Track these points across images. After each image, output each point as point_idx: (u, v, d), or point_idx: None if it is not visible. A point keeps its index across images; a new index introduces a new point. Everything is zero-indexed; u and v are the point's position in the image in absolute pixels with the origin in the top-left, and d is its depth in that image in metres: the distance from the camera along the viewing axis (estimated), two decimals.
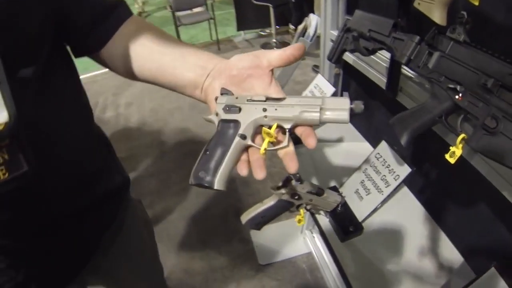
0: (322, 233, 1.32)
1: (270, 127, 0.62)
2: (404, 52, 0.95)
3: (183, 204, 2.95)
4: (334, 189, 1.43)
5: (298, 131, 0.63)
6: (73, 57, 0.80)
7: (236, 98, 0.66)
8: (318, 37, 1.81)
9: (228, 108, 0.65)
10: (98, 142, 0.92)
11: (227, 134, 0.64)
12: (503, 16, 0.90)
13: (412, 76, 1.22)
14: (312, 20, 1.68)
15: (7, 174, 0.53)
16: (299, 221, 1.27)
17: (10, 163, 0.54)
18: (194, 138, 3.72)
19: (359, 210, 1.33)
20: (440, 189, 1.38)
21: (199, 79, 0.72)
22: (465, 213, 1.29)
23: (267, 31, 6.40)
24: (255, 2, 5.44)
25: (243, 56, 0.69)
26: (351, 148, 1.73)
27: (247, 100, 0.65)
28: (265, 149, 0.61)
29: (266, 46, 5.97)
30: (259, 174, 0.60)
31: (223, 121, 0.65)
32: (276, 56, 0.68)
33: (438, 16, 0.83)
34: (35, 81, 0.63)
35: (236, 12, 6.00)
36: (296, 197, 1.15)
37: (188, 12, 5.94)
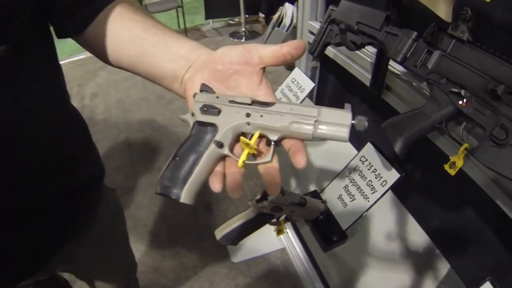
0: (304, 243, 1.25)
1: (252, 137, 0.53)
2: (399, 49, 0.87)
3: (151, 200, 2.83)
4: (315, 194, 1.35)
5: (286, 144, 0.54)
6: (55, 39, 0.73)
7: (217, 97, 0.57)
8: (295, 27, 1.72)
9: (206, 109, 0.56)
10: (73, 129, 0.85)
11: (201, 140, 0.55)
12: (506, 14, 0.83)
13: (399, 73, 1.15)
14: (288, 10, 1.59)
15: None
16: (279, 231, 1.18)
17: None
18: (162, 130, 3.61)
19: (343, 217, 1.25)
20: (425, 192, 1.35)
21: (180, 71, 0.64)
22: (450, 216, 1.26)
23: (236, 19, 6.27)
24: None
25: (232, 48, 0.60)
26: (332, 148, 1.66)
27: (229, 101, 0.56)
28: (243, 161, 0.52)
29: (235, 35, 5.87)
30: (234, 192, 0.53)
31: (199, 124, 0.57)
32: (270, 52, 0.58)
33: (443, 10, 0.75)
34: (6, 61, 0.57)
35: (204, 0, 5.86)
36: (277, 210, 1.06)
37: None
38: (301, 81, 1.63)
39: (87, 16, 0.69)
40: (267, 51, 0.58)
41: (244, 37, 5.78)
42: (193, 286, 2.26)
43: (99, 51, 0.72)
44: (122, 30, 0.68)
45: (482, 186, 0.93)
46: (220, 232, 1.09)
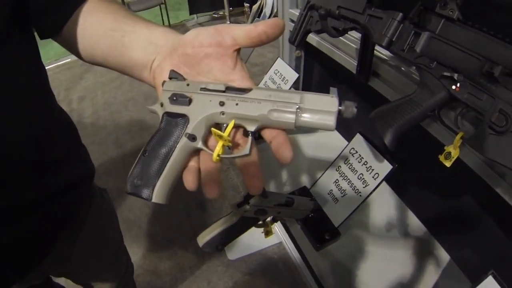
0: (295, 243, 1.20)
1: (226, 128, 0.49)
2: (384, 32, 0.81)
3: (144, 202, 2.77)
4: (305, 190, 1.30)
5: (267, 135, 0.49)
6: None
7: (188, 85, 0.52)
8: (276, 17, 1.66)
9: (176, 98, 0.51)
10: (60, 129, 0.82)
11: (172, 133, 0.51)
12: None
13: (387, 58, 1.10)
14: None
15: None
16: (267, 233, 1.13)
17: None
18: (151, 130, 3.54)
19: (334, 213, 1.21)
20: (421, 182, 1.31)
21: (147, 57, 0.59)
22: (450, 207, 1.22)
23: (221, 13, 6.28)
24: None
25: (201, 30, 0.55)
26: (320, 138, 1.62)
27: (201, 89, 0.51)
28: (218, 155, 0.48)
29: None
30: (210, 191, 0.49)
31: (168, 115, 0.52)
32: (243, 32, 0.53)
33: None
34: None
35: None
36: (261, 213, 1.00)
37: None
38: (284, 72, 1.58)
39: (62, 15, 0.66)
40: (240, 31, 0.53)
41: None
42: (191, 286, 2.24)
43: (77, 49, 0.69)
44: (95, 24, 0.65)
45: (481, 174, 0.88)
46: (202, 239, 1.05)
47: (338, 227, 1.19)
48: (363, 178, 1.14)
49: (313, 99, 0.46)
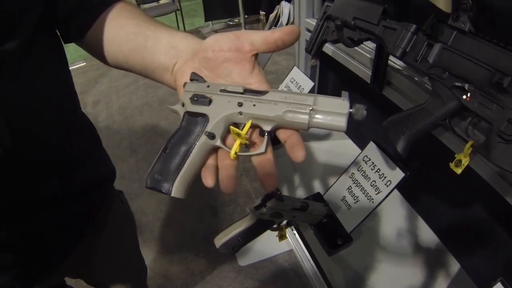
0: (308, 248, 1.21)
1: (244, 127, 0.52)
2: (398, 43, 0.83)
3: (157, 206, 2.83)
4: (318, 196, 1.32)
5: (282, 135, 0.52)
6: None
7: (208, 86, 0.55)
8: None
9: (196, 99, 0.54)
10: (82, 131, 0.86)
11: (192, 131, 0.53)
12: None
13: (400, 68, 1.12)
14: (285, 8, 1.56)
15: None
16: (282, 237, 1.15)
17: None
18: (165, 135, 3.59)
19: (347, 220, 1.22)
20: (432, 190, 1.31)
21: (169, 61, 0.63)
22: (457, 212, 1.23)
23: (236, 20, 6.30)
24: None
25: (221, 36, 0.58)
26: (334, 146, 1.63)
27: (220, 90, 0.54)
28: (236, 153, 0.51)
29: None
30: (227, 186, 0.50)
31: (189, 114, 0.55)
32: (260, 38, 0.56)
33: (443, 1, 0.71)
34: (18, 56, 0.58)
35: (203, 2, 5.86)
36: (277, 216, 1.03)
37: (154, 4, 5.81)
38: (300, 81, 1.60)
39: (87, 20, 0.70)
40: (258, 37, 0.56)
41: None
42: None
43: (99, 52, 0.72)
44: (118, 29, 0.69)
45: (491, 182, 0.89)
46: (219, 241, 1.07)
47: (350, 233, 1.20)
48: (376, 185, 1.16)
49: (325, 101, 0.49)
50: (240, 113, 0.52)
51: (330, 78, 1.81)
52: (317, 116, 0.49)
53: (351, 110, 0.48)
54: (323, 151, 1.61)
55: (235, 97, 0.53)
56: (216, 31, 6.21)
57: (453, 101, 0.74)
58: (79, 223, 0.86)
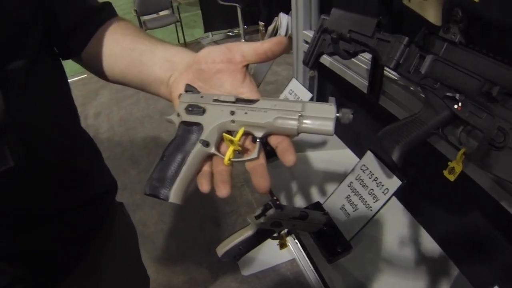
0: (309, 255, 1.23)
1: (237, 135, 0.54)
2: (392, 55, 0.85)
3: (159, 217, 2.86)
4: (318, 205, 1.33)
5: (273, 141, 0.55)
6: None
7: (202, 97, 0.58)
8: (290, 37, 1.71)
9: (191, 109, 0.57)
10: (83, 145, 0.87)
11: (187, 139, 0.56)
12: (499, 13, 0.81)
13: (396, 78, 1.14)
14: (283, 20, 1.58)
15: None
16: (282, 245, 1.16)
17: None
18: (165, 145, 3.61)
19: (346, 228, 1.23)
20: (430, 198, 1.33)
21: (165, 74, 0.66)
22: (455, 219, 1.24)
23: (235, 31, 6.34)
24: (221, 2, 5.35)
25: (213, 48, 0.62)
26: (332, 156, 1.64)
27: (214, 100, 0.57)
28: (229, 159, 0.53)
29: None
30: (222, 190, 0.52)
31: (184, 124, 0.58)
32: (251, 49, 0.60)
33: (432, 14, 0.74)
34: (24, 74, 0.60)
35: (202, 14, 5.93)
36: (277, 225, 1.05)
37: (154, 15, 5.84)
38: (298, 92, 1.62)
39: (84, 37, 0.73)
40: (248, 49, 0.60)
41: None
42: None
43: (96, 68, 0.75)
44: (114, 45, 0.72)
45: (486, 188, 0.91)
46: (221, 250, 1.08)
47: (350, 240, 1.21)
48: (374, 194, 1.17)
49: (313, 107, 0.52)
50: (233, 121, 0.54)
51: (328, 89, 1.82)
52: (305, 121, 0.51)
53: (338, 114, 0.50)
54: (321, 160, 1.62)
55: (227, 106, 0.55)
56: (216, 42, 6.26)
57: (445, 111, 0.76)
58: (84, 236, 0.86)
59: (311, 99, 1.61)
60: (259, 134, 0.54)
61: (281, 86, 1.76)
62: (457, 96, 0.72)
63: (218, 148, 0.56)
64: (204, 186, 0.54)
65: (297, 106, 0.52)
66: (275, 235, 1.11)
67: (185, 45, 6.00)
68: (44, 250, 0.76)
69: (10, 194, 0.62)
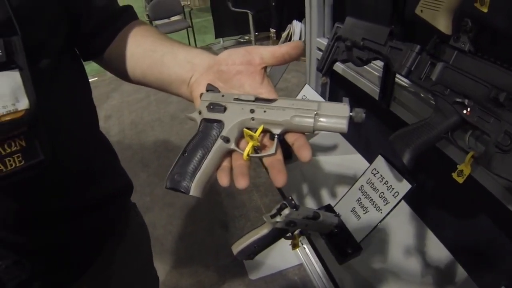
0: (319, 256, 1.25)
1: (256, 131, 0.56)
2: (404, 63, 0.88)
3: (168, 219, 2.87)
4: (329, 208, 1.36)
5: (290, 139, 0.57)
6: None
7: (222, 96, 0.61)
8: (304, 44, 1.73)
9: (212, 107, 0.60)
10: (101, 146, 0.90)
11: (208, 136, 0.58)
12: (507, 23, 0.84)
13: (407, 85, 1.16)
14: (296, 27, 1.62)
15: (23, 162, 0.54)
16: (295, 245, 1.19)
17: (27, 151, 0.55)
18: (176, 150, 3.61)
19: (357, 230, 1.25)
20: (439, 202, 1.34)
21: (186, 74, 0.69)
22: (463, 223, 1.25)
23: (246, 37, 6.35)
24: (233, 9, 5.37)
25: (234, 51, 0.65)
26: (343, 161, 1.66)
27: (234, 99, 0.59)
28: (248, 154, 0.56)
29: None
30: (241, 182, 0.54)
31: (206, 121, 0.60)
32: (269, 52, 0.63)
33: (443, 24, 0.77)
34: (49, 73, 0.63)
35: (214, 20, 5.94)
36: (292, 225, 1.07)
37: (166, 21, 5.88)
38: (311, 98, 1.64)
39: (106, 39, 0.77)
40: (267, 52, 0.63)
41: None
42: None
43: (117, 68, 0.80)
44: (135, 46, 0.75)
45: (495, 193, 0.93)
46: (236, 248, 1.11)
47: (360, 242, 1.24)
48: (384, 197, 1.20)
49: (328, 106, 0.55)
50: (252, 118, 0.57)
51: (340, 95, 1.84)
52: (321, 119, 0.54)
53: (351, 113, 0.53)
54: (332, 165, 1.64)
55: (247, 105, 0.58)
56: (226, 48, 6.26)
57: (455, 116, 0.79)
58: (100, 234, 0.89)
59: None
60: (277, 131, 0.56)
61: (291, 92, 1.79)
62: (466, 101, 0.75)
63: (237, 144, 0.59)
64: (223, 180, 0.56)
65: (313, 105, 0.55)
66: (288, 234, 1.14)
67: None
68: (62, 246, 0.78)
69: (33, 189, 0.66)
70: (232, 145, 0.58)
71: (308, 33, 1.72)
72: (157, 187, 3.18)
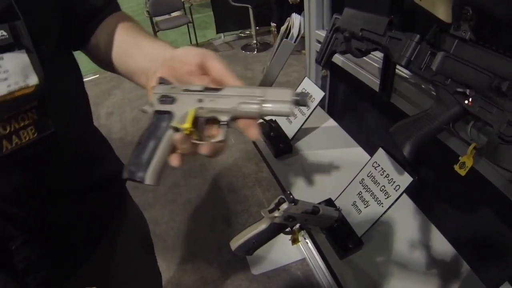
0: (320, 251, 1.23)
1: (207, 120, 0.60)
2: (403, 53, 0.87)
3: (170, 216, 2.88)
4: (330, 202, 1.34)
5: (240, 124, 0.60)
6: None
7: (172, 88, 0.63)
8: (303, 37, 1.72)
9: (163, 99, 0.62)
10: (97, 134, 0.96)
11: (160, 126, 0.61)
12: (508, 10, 0.82)
13: (407, 76, 1.15)
14: (295, 20, 1.59)
15: (36, 134, 0.61)
16: (294, 240, 1.18)
17: (39, 124, 0.61)
18: None
19: (358, 224, 1.24)
20: (442, 196, 1.33)
21: (146, 67, 0.72)
22: (466, 217, 1.24)
23: (247, 32, 6.34)
24: (233, 3, 5.35)
25: (191, 51, 0.67)
26: (344, 154, 1.64)
27: (183, 90, 0.62)
28: (198, 140, 0.60)
29: (246, 47, 5.92)
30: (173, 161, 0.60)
31: (157, 112, 0.63)
32: (219, 71, 0.64)
33: (443, 12, 0.75)
34: (51, 55, 0.67)
35: (214, 15, 5.94)
36: (291, 219, 1.06)
37: (166, 17, 5.86)
38: (311, 91, 1.63)
39: (90, 29, 0.81)
40: (218, 67, 0.64)
41: (256, 49, 5.84)
42: None
43: (98, 58, 0.84)
44: (112, 37, 0.79)
45: (499, 186, 0.92)
46: (235, 243, 1.10)
47: (361, 237, 1.22)
48: (385, 190, 1.18)
49: (273, 92, 0.57)
50: (201, 108, 0.59)
51: (340, 88, 1.83)
52: (266, 105, 0.56)
53: (295, 97, 0.55)
54: (333, 158, 1.62)
55: (196, 95, 0.60)
56: (227, 43, 6.26)
57: (456, 106, 0.77)
58: (99, 217, 0.92)
59: (323, 98, 1.63)
60: (225, 118, 0.59)
61: (293, 86, 1.76)
62: (468, 91, 0.74)
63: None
64: (174, 161, 0.60)
65: (259, 92, 0.57)
66: (287, 229, 1.12)
67: (197, 46, 6.00)
68: (66, 226, 0.81)
69: (42, 166, 0.70)
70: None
71: (307, 25, 1.71)
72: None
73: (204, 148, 0.59)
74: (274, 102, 0.56)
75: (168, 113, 0.61)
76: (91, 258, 0.89)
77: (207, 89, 0.60)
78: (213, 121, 0.61)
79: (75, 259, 0.86)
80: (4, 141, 0.58)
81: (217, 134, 0.60)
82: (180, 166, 0.60)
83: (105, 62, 0.82)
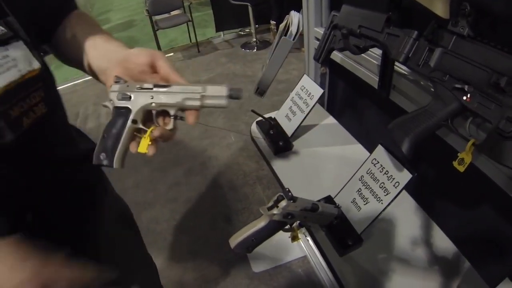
0: (320, 248, 1.23)
1: (157, 112, 0.73)
2: (401, 49, 0.87)
3: (171, 214, 2.87)
4: (329, 199, 1.34)
5: (186, 114, 0.72)
6: None
7: (127, 86, 0.72)
8: (302, 35, 1.71)
9: (120, 96, 0.72)
10: (67, 122, 1.00)
11: (120, 120, 0.72)
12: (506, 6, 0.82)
13: (406, 73, 1.14)
14: (294, 18, 1.58)
15: (46, 108, 0.72)
16: (294, 238, 1.17)
17: (46, 100, 0.73)
18: (179, 145, 3.62)
19: (357, 221, 1.24)
20: (442, 193, 1.32)
21: (102, 66, 0.79)
22: (467, 214, 1.24)
23: (247, 30, 6.33)
24: (232, 2, 5.35)
25: (142, 52, 0.75)
26: (343, 151, 1.64)
27: (137, 88, 0.72)
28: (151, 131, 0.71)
29: (246, 45, 5.91)
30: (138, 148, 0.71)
31: (117, 108, 0.73)
32: (166, 68, 0.74)
33: (440, 8, 0.75)
34: (37, 45, 0.75)
35: (214, 13, 5.92)
36: (289, 217, 1.05)
37: (166, 15, 5.84)
38: (310, 88, 1.63)
39: (54, 25, 0.87)
40: (165, 67, 0.74)
41: (255, 47, 5.83)
42: None
43: (60, 54, 0.91)
44: (72, 35, 0.86)
45: (499, 183, 0.92)
46: (234, 241, 1.10)
47: (361, 234, 1.22)
48: (385, 187, 1.18)
49: (211, 89, 0.70)
50: (152, 103, 0.71)
51: (339, 85, 1.83)
52: (205, 100, 0.70)
53: (229, 93, 0.69)
54: (332, 155, 1.62)
55: (148, 92, 0.71)
56: (227, 41, 6.25)
57: (454, 102, 0.77)
58: (87, 189, 1.00)
59: (323, 95, 1.62)
60: (172, 111, 0.71)
61: (293, 84, 1.76)
62: (466, 87, 0.74)
63: (144, 123, 0.72)
64: (133, 148, 0.72)
65: (199, 89, 0.70)
66: (287, 227, 1.12)
67: (197, 44, 5.99)
68: (59, 196, 0.87)
69: (44, 138, 0.77)
70: (140, 125, 0.72)
71: (306, 23, 1.70)
72: (159, 183, 3.17)
73: (156, 132, 0.70)
74: (212, 97, 0.69)
75: (126, 108, 0.72)
76: (81, 232, 0.95)
77: (157, 86, 0.71)
78: (163, 113, 0.73)
79: (65, 232, 0.89)
80: (24, 118, 0.68)
81: (168, 123, 0.72)
82: (135, 152, 0.71)
83: (66, 60, 0.91)
